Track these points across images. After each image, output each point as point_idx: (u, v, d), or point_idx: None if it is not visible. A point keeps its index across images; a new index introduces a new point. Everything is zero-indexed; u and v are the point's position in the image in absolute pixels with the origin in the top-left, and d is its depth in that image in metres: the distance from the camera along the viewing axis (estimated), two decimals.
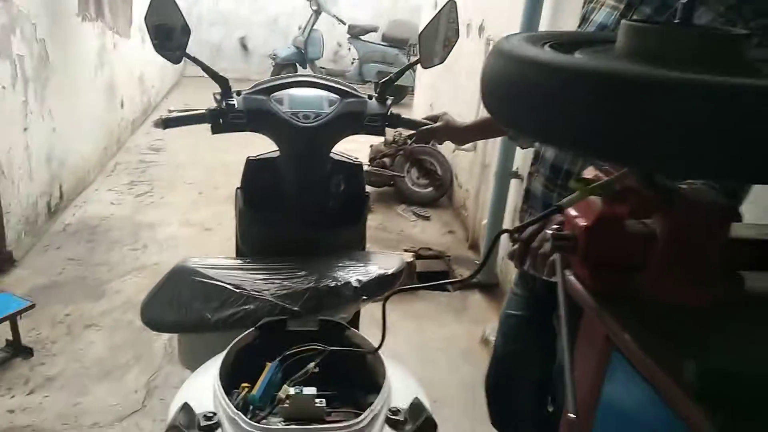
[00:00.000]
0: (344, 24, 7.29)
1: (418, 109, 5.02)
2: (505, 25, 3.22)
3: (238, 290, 1.38)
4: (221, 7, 8.10)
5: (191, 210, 3.91)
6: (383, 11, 8.23)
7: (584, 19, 1.31)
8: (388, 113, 1.62)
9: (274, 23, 8.37)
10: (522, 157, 2.92)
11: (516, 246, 0.91)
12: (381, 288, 1.52)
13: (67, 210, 3.69)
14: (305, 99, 1.57)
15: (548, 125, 0.63)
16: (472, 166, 3.74)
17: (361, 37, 7.33)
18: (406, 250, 3.52)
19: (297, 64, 7.42)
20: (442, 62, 1.65)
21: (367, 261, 1.60)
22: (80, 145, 3.93)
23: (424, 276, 3.33)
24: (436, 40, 1.63)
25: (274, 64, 7.34)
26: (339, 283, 1.43)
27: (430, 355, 2.65)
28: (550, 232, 0.79)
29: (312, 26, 7.30)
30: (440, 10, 1.61)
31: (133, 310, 2.73)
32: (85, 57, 4.08)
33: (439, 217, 4.10)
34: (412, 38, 7.40)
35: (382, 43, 7.35)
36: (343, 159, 1.67)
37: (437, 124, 1.63)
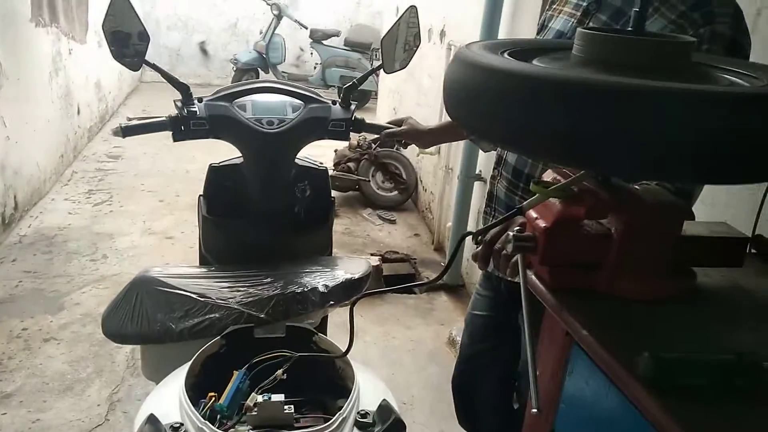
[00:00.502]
0: (306, 29, 7.27)
1: (381, 113, 5.04)
2: (466, 31, 3.27)
3: (202, 299, 1.37)
4: (180, 11, 7.97)
5: (152, 218, 3.84)
6: (345, 16, 8.25)
7: (543, 27, 1.35)
8: (352, 118, 1.63)
9: (235, 27, 8.29)
10: (485, 161, 2.97)
11: (479, 248, 0.93)
12: (348, 293, 1.53)
13: (23, 221, 3.58)
14: (268, 105, 1.57)
15: (506, 130, 0.65)
16: (436, 169, 3.78)
17: (323, 41, 7.32)
18: (372, 254, 3.53)
19: (259, 69, 7.36)
20: (404, 67, 1.67)
21: (334, 266, 1.61)
22: (35, 154, 3.82)
23: (391, 279, 3.35)
24: (398, 45, 1.65)
25: (235, 69, 7.27)
26: (305, 289, 1.43)
27: (398, 357, 2.67)
28: (512, 233, 0.81)
29: (273, 31, 7.26)
30: (401, 16, 1.63)
31: (94, 322, 2.67)
32: (39, 63, 3.97)
33: (404, 220, 4.12)
34: (374, 43, 7.43)
35: (345, 47, 7.36)
36: (308, 164, 1.67)
37: (401, 127, 1.65)
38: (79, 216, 3.76)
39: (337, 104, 1.64)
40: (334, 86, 7.36)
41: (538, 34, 1.41)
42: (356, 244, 3.67)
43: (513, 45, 0.80)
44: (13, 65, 3.44)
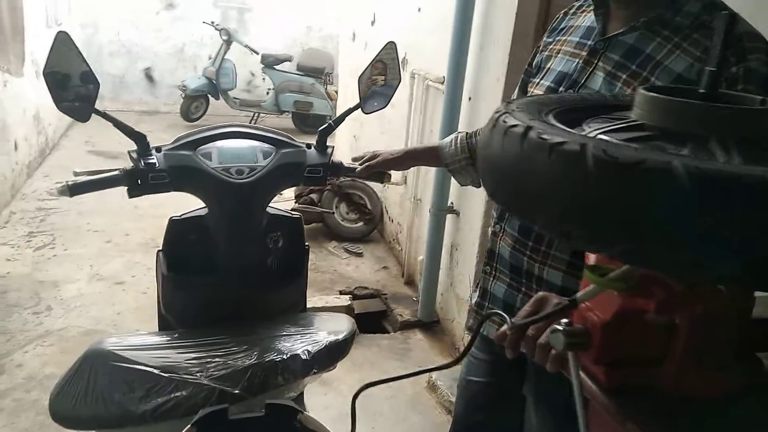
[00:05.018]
0: (257, 54, 7.09)
1: (340, 139, 4.91)
2: (429, 59, 3.19)
3: (166, 374, 1.20)
4: (123, 37, 7.65)
5: (99, 262, 3.57)
6: (296, 40, 8.10)
7: (539, 68, 1.25)
8: (330, 162, 1.50)
9: (182, 53, 8.02)
10: (456, 192, 2.87)
11: (509, 332, 0.80)
12: (332, 357, 1.39)
13: None
14: (236, 152, 1.42)
15: (597, 226, 0.52)
16: (403, 200, 3.66)
17: (275, 66, 7.16)
18: (341, 292, 3.38)
19: (209, 95, 7.13)
20: (383, 107, 1.56)
21: (313, 325, 1.47)
22: None
23: (363, 318, 3.20)
24: (377, 84, 1.54)
25: (184, 95, 7.00)
26: (285, 357, 1.28)
27: (376, 406, 2.51)
28: (562, 328, 0.69)
29: (223, 56, 7.04)
30: (379, 52, 1.53)
31: (39, 387, 2.41)
32: None
33: (371, 252, 3.98)
34: (327, 67, 7.33)
35: (298, 72, 7.21)
36: (280, 213, 1.53)
37: (377, 159, 1.53)
38: (19, 263, 3.45)
39: (312, 148, 1.51)
40: (288, 111, 7.21)
41: (529, 75, 1.32)
42: (324, 281, 3.50)
43: (554, 103, 0.68)
44: None
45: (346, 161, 1.58)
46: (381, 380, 0.96)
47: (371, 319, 3.24)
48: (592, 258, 0.73)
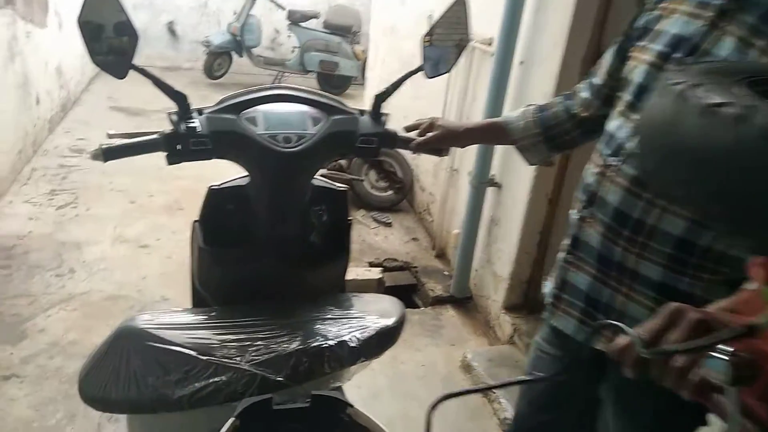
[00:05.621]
0: (283, 9, 6.84)
1: (368, 102, 4.71)
2: (474, 18, 2.97)
3: (204, 357, 1.10)
4: None
5: (123, 223, 3.47)
6: None
7: (644, 30, 1.07)
8: (384, 131, 1.35)
9: (205, 7, 7.78)
10: (500, 163, 2.70)
11: (639, 350, 0.64)
12: (381, 345, 1.28)
13: None
14: (285, 117, 1.28)
15: None
16: (437, 169, 3.49)
17: (301, 23, 6.91)
18: (371, 263, 3.26)
19: (232, 53, 6.92)
20: (449, 70, 1.40)
21: (360, 308, 1.36)
22: None
23: (392, 291, 3.08)
24: (442, 45, 1.37)
25: (207, 52, 6.81)
26: (332, 343, 1.17)
27: (409, 387, 2.40)
28: (730, 358, 0.54)
29: (248, 11, 6.80)
30: (446, 10, 1.35)
31: (62, 354, 2.33)
32: None
33: (400, 222, 3.84)
34: (354, 25, 7.06)
35: (325, 30, 6.96)
36: (326, 185, 1.40)
37: (434, 133, 1.38)
38: (41, 222, 3.37)
39: (366, 115, 1.37)
40: (313, 71, 6.99)
41: (629, 38, 1.13)
42: (353, 251, 3.36)
43: (745, 72, 0.51)
44: None
45: (401, 130, 1.42)
46: (459, 392, 0.83)
47: (401, 292, 3.13)
48: (759, 274, 0.58)
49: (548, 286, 1.26)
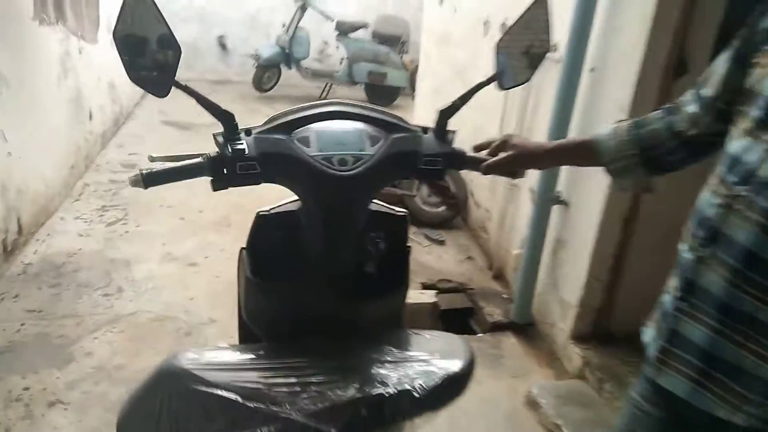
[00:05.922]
0: (332, 20, 6.79)
1: (419, 116, 4.56)
2: None
3: (251, 404, 0.99)
4: (196, 3, 7.52)
5: (172, 240, 3.42)
6: (370, 6, 7.74)
7: (750, 92, 0.90)
8: (450, 151, 1.21)
9: (255, 20, 7.82)
10: (565, 180, 2.49)
11: None
12: (449, 394, 1.12)
13: (28, 246, 3.17)
14: (339, 136, 1.15)
15: None
16: (494, 184, 3.30)
17: (349, 34, 6.84)
18: (423, 285, 3.09)
19: (281, 65, 6.91)
20: (526, 81, 1.23)
21: (422, 348, 1.21)
22: (42, 167, 3.41)
23: (447, 315, 2.90)
24: (520, 52, 1.20)
25: (256, 65, 6.82)
26: (393, 391, 1.03)
27: (469, 425, 2.22)
28: None
29: (297, 23, 6.79)
30: (525, 12, 1.19)
31: (108, 379, 2.25)
32: (45, 66, 3.54)
33: (454, 240, 3.65)
34: (403, 35, 6.95)
35: (373, 40, 6.87)
36: (384, 209, 1.29)
37: (508, 153, 1.20)
38: (91, 239, 3.34)
39: (430, 132, 1.23)
40: (361, 83, 6.91)
41: (749, 40, 0.94)
42: None
43: None
44: (14, 70, 3.01)
45: (469, 150, 1.26)
46: None
47: (456, 317, 2.94)
48: None
49: (650, 335, 1.06)
